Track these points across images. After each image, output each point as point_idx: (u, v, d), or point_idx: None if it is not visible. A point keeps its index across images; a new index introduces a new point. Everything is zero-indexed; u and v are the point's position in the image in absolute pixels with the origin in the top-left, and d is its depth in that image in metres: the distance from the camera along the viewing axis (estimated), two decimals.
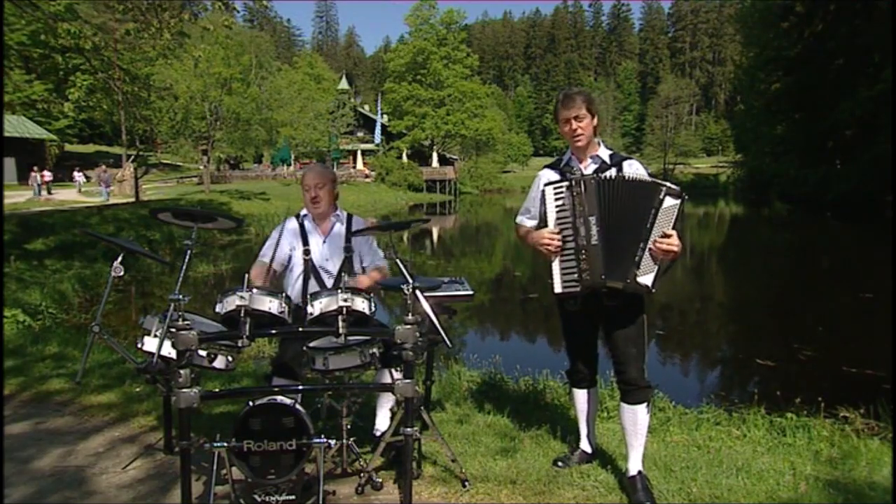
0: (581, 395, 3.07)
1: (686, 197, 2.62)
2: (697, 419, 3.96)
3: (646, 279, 2.63)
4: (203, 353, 2.54)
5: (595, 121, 2.83)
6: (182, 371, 2.33)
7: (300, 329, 2.51)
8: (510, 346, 8.94)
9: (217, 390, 2.96)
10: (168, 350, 2.42)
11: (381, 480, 2.85)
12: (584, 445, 3.11)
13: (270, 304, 2.43)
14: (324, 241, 3.28)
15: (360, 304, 2.51)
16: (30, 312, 7.66)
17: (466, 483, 2.84)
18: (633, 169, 2.83)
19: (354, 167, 53.38)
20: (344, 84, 59.61)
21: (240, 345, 2.40)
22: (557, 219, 2.77)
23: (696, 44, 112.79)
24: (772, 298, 11.74)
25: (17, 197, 27.13)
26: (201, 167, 34.45)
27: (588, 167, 2.86)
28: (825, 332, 8.23)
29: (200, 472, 2.86)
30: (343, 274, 3.25)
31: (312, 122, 40.11)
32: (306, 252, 3.19)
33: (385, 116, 56.55)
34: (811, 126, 36.57)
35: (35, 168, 28.78)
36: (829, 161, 34.93)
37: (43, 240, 12.91)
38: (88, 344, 2.60)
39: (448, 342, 2.53)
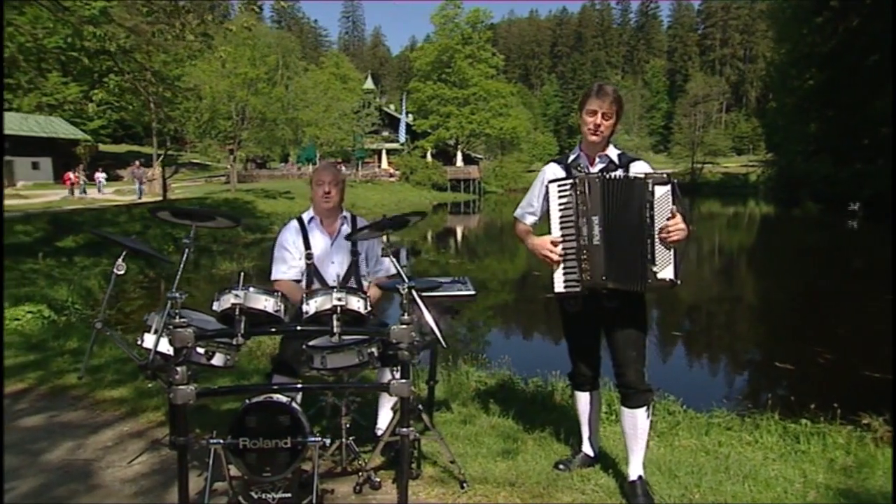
0: (583, 398, 3.03)
1: (675, 180, 2.60)
2: (708, 423, 3.87)
3: (666, 273, 2.58)
4: (201, 350, 2.56)
5: (617, 126, 2.79)
6: (178, 368, 2.36)
7: (294, 328, 2.52)
8: (529, 345, 8.91)
9: (215, 387, 3.00)
10: (166, 347, 2.46)
11: (379, 480, 2.85)
12: (587, 449, 3.07)
13: (266, 303, 2.44)
14: (332, 243, 3.28)
15: (356, 304, 2.51)
16: (56, 308, 7.86)
17: (465, 484, 2.83)
18: (642, 169, 2.77)
19: (379, 166, 53.70)
20: (369, 84, 59.94)
21: (234, 343, 2.42)
22: (560, 217, 2.73)
23: (727, 41, 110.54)
24: (797, 300, 11.46)
25: (52, 195, 27.98)
26: (228, 166, 34.98)
27: (596, 166, 2.81)
28: (850, 334, 7.99)
29: (203, 468, 2.89)
30: (350, 276, 3.25)
31: (337, 121, 40.40)
32: (308, 256, 3.19)
33: (410, 116, 56.74)
34: (845, 124, 35.59)
35: (99, 167, 29.73)
36: (864, 160, 33.93)
37: (73, 237, 13.25)
38: (91, 340, 2.66)
39: (444, 342, 2.52)
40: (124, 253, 2.70)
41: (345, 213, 3.32)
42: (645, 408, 2.71)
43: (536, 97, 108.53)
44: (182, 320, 2.36)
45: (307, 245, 3.22)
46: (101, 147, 47.17)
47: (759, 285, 14.46)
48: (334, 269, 3.22)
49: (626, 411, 2.75)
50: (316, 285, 3.19)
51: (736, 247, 23.33)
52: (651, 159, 67.47)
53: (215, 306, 2.47)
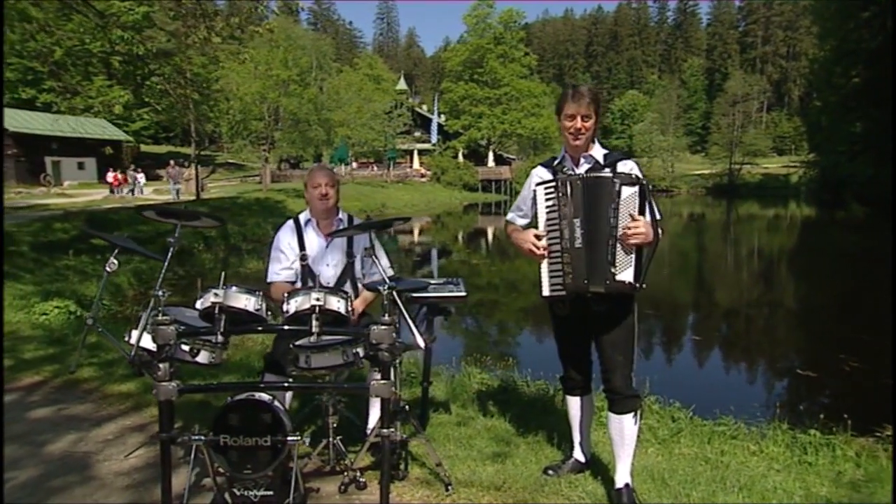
0: (574, 403, 2.98)
1: (645, 182, 2.53)
2: (712, 431, 3.76)
3: (625, 275, 2.52)
4: (186, 347, 2.59)
5: (597, 124, 2.74)
6: (161, 364, 2.40)
7: (272, 327, 2.53)
8: (548, 347, 8.83)
9: (197, 384, 3.05)
10: (151, 343, 2.50)
11: (364, 480, 2.84)
12: (578, 454, 3.02)
13: (247, 302, 2.46)
14: (326, 245, 3.28)
15: (335, 304, 2.51)
16: (84, 304, 8.11)
17: (449, 487, 2.81)
18: (627, 170, 2.71)
19: (411, 167, 54.01)
20: (402, 84, 60.26)
21: (214, 341, 2.45)
22: (547, 220, 2.70)
23: (769, 38, 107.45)
24: (831, 306, 11.07)
25: (95, 195, 29.02)
26: (261, 166, 35.62)
27: (581, 167, 2.77)
28: (882, 342, 7.63)
29: (196, 464, 2.93)
30: (345, 278, 3.24)
31: (369, 122, 40.75)
32: (303, 258, 3.20)
33: (442, 116, 56.88)
34: (891, 123, 34.17)
35: (138, 168, 30.73)
36: None
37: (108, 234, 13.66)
38: (83, 336, 2.72)
39: (421, 344, 2.50)
40: (116, 251, 2.77)
41: (341, 216, 3.31)
42: (632, 414, 2.65)
43: None
44: (165, 317, 2.41)
45: (302, 246, 3.23)
46: (143, 147, 48.65)
47: (792, 290, 14.03)
48: (329, 271, 3.22)
49: (612, 417, 2.70)
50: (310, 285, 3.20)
51: (773, 250, 22.70)
52: (688, 160, 66.32)
53: (198, 304, 2.50)
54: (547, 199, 2.69)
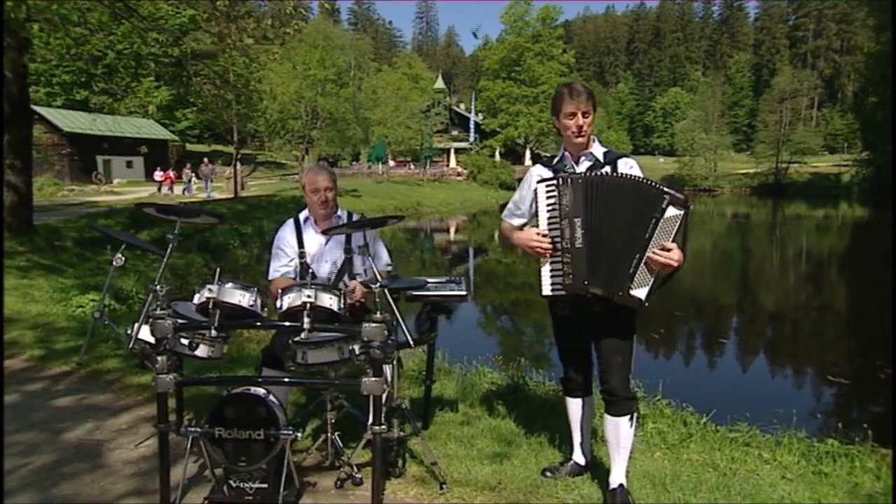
0: (574, 404, 2.94)
1: (691, 207, 2.44)
2: (724, 438, 3.65)
3: (640, 292, 2.48)
4: (185, 341, 2.65)
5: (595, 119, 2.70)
6: (160, 357, 2.48)
7: (265, 323, 2.58)
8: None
9: (196, 377, 3.12)
10: (150, 336, 2.57)
11: (361, 476, 2.86)
12: (577, 457, 2.98)
13: (241, 298, 2.51)
14: (325, 242, 3.29)
15: (328, 301, 2.53)
16: (120, 298, 8.42)
17: (444, 486, 2.80)
18: (628, 168, 2.66)
19: (447, 165, 54.16)
20: (440, 83, 60.41)
21: (208, 336, 2.50)
22: (549, 218, 2.66)
23: (821, 31, 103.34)
24: (874, 311, 10.59)
25: (142, 192, 30.07)
26: (298, 164, 36.24)
27: (581, 165, 2.73)
28: None
29: (195, 455, 3.01)
30: (343, 275, 3.27)
31: (406, 120, 41.00)
32: (301, 255, 3.24)
33: (479, 115, 56.83)
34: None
35: (189, 166, 31.82)
36: None
37: (147, 231, 14.13)
38: (90, 329, 2.83)
39: (411, 342, 2.51)
40: (122, 247, 2.86)
41: (339, 213, 3.33)
42: (628, 416, 2.60)
43: (611, 95, 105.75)
44: (164, 312, 2.48)
45: (301, 244, 3.26)
46: (189, 147, 50.10)
47: (834, 293, 13.50)
48: (327, 268, 3.25)
49: (609, 419, 2.65)
50: None
51: (819, 252, 21.90)
52: (732, 158, 64.37)
53: (195, 299, 2.56)
54: (548, 197, 2.65)
